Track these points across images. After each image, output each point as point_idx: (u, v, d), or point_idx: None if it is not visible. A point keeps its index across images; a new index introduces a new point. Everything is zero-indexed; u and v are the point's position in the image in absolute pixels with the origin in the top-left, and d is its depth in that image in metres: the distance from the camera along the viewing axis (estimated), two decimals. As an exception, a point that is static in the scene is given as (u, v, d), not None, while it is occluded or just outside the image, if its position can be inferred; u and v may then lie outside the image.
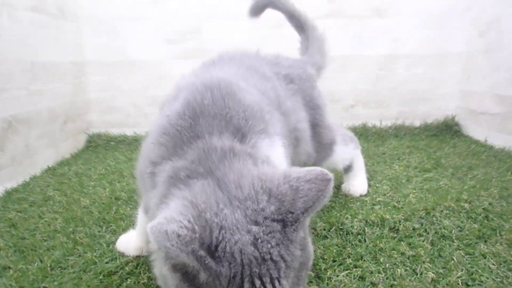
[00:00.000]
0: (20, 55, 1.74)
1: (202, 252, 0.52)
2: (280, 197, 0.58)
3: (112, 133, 2.50)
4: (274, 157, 0.74)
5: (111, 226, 1.21)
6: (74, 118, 2.25)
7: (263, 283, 0.54)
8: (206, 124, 0.71)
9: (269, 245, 0.55)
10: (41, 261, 1.00)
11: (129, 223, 1.21)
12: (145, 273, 0.93)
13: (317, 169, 0.60)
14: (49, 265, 0.97)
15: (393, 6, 2.47)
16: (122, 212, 1.32)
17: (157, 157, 0.73)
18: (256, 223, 0.56)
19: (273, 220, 0.57)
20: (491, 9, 2.25)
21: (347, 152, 1.43)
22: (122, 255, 1.03)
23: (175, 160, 0.68)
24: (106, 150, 2.32)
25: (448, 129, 2.54)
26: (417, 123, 2.60)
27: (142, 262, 0.99)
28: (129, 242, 1.05)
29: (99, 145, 2.40)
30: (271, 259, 0.55)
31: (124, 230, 1.16)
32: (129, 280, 0.90)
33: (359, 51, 2.53)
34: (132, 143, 2.42)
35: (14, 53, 1.69)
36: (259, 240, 0.55)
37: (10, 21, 1.67)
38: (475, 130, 2.40)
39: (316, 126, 1.23)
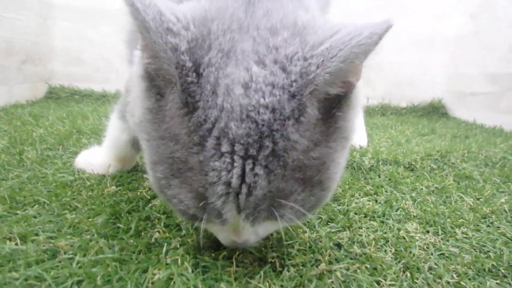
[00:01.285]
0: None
1: (188, 62, 0.38)
2: (308, 39, 0.40)
3: (76, 87, 2.22)
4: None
5: (70, 149, 0.97)
6: (35, 62, 1.97)
7: (232, 151, 0.38)
8: None
9: (263, 99, 0.37)
10: (-31, 171, 0.75)
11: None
12: (113, 186, 0.71)
13: None
14: (-21, 173, 0.73)
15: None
16: (84, 142, 1.08)
17: None
18: (260, 62, 0.39)
19: (281, 69, 0.39)
20: None
21: None
22: (83, 172, 0.80)
23: None
24: (69, 101, 2.05)
25: (435, 111, 2.47)
26: (403, 105, 2.51)
27: (109, 178, 0.77)
28: (93, 158, 0.83)
29: (61, 97, 2.11)
30: (257, 121, 0.37)
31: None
32: (90, 191, 0.68)
33: None
34: (99, 99, 2.16)
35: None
36: (253, 86, 0.38)
37: None
38: (463, 112, 2.34)
39: None
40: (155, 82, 0.42)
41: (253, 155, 0.38)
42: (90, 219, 0.57)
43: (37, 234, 0.51)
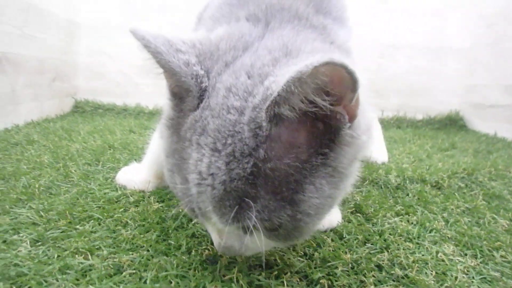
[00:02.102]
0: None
1: (200, 71, 0.46)
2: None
3: (100, 101, 2.29)
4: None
5: (108, 164, 1.02)
6: (62, 78, 2.05)
7: (206, 144, 0.44)
8: None
9: (235, 102, 0.44)
10: (28, 186, 0.80)
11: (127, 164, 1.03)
12: (156, 203, 0.75)
13: None
14: (37, 188, 0.78)
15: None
16: (118, 157, 1.13)
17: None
18: (250, 75, 0.46)
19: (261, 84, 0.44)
20: (499, 0, 2.18)
21: (367, 113, 1.30)
22: (124, 188, 0.85)
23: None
24: (94, 116, 2.12)
25: (452, 124, 2.43)
26: (419, 117, 2.49)
27: (149, 195, 0.81)
28: (133, 175, 0.87)
29: (86, 111, 2.19)
30: (226, 120, 0.43)
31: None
32: (137, 207, 0.72)
33: (360, 37, 2.43)
34: (120, 112, 2.23)
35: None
36: (234, 89, 0.45)
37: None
38: (482, 124, 2.31)
39: None
40: (178, 99, 0.49)
41: (218, 149, 0.43)
42: (142, 235, 0.61)
43: (99, 249, 0.55)
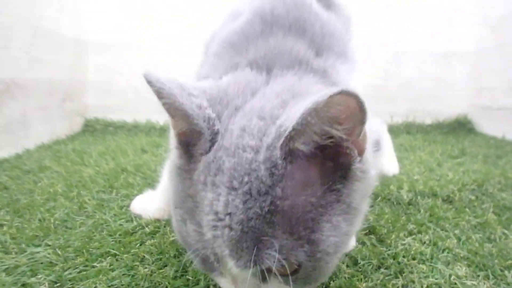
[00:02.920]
0: (24, 15, 1.58)
1: (212, 114, 0.48)
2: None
3: (110, 119, 2.31)
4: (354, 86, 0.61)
5: (121, 191, 1.04)
6: (72, 98, 2.08)
7: (222, 183, 0.44)
8: (280, 31, 0.60)
9: (250, 141, 0.45)
10: (43, 220, 0.82)
11: (141, 190, 1.04)
12: (173, 234, 0.77)
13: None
14: (52, 223, 0.80)
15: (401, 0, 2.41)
16: (131, 181, 1.15)
17: (209, 71, 0.63)
18: (262, 117, 0.47)
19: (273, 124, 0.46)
20: (504, 2, 2.18)
21: (376, 124, 1.31)
22: (139, 217, 0.86)
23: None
24: (104, 134, 2.14)
25: (461, 127, 2.44)
26: (428, 121, 2.50)
27: (164, 224, 0.83)
28: (147, 204, 0.89)
29: (96, 130, 2.22)
30: (242, 158, 0.44)
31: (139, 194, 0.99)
32: (153, 239, 0.74)
33: (367, 43, 2.44)
34: (131, 130, 2.25)
35: (18, 12, 1.53)
36: (248, 129, 0.46)
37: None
38: (490, 127, 2.31)
39: None
40: (186, 146, 0.49)
41: (235, 188, 0.43)
42: (160, 270, 0.62)
43: (119, 289, 0.57)
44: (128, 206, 0.92)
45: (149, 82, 0.46)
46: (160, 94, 0.46)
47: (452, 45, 2.46)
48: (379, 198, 1.00)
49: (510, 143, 2.00)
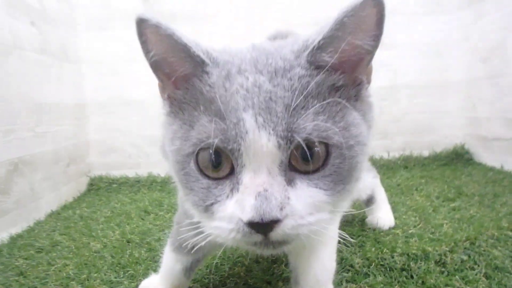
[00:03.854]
0: (27, 96, 1.68)
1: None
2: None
3: (113, 175, 2.39)
4: None
5: (128, 271, 1.09)
6: (76, 161, 2.17)
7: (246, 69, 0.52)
8: None
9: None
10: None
11: (147, 267, 1.10)
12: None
13: None
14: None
15: (389, 37, 2.49)
16: (136, 256, 1.20)
17: None
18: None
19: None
20: (493, 35, 2.25)
21: (368, 180, 1.37)
22: (146, 303, 0.91)
23: None
24: (109, 192, 2.21)
25: (459, 158, 2.48)
26: (425, 153, 2.55)
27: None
28: (152, 287, 0.94)
29: (101, 188, 2.29)
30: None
31: (143, 275, 1.05)
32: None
33: None
34: (134, 185, 2.32)
35: (22, 94, 1.63)
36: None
37: (20, 62, 1.62)
38: (488, 157, 2.35)
39: None
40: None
41: (261, 71, 0.52)
42: None
43: None
44: (135, 290, 0.97)
45: (144, 20, 0.50)
46: (157, 30, 0.51)
47: (444, 76, 2.52)
48: (373, 264, 1.04)
49: (508, 174, 2.04)
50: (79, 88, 2.27)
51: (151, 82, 2.27)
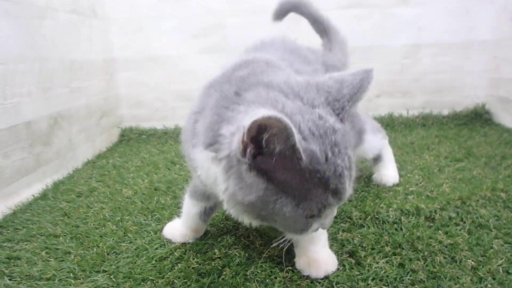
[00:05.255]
0: (61, 55, 1.82)
1: (300, 136, 0.59)
2: (327, 89, 0.66)
3: (142, 127, 2.58)
4: None
5: (155, 215, 1.27)
6: (108, 114, 2.34)
7: (339, 150, 0.62)
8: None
9: (332, 119, 0.64)
10: (98, 247, 1.07)
11: (171, 212, 1.28)
12: (194, 258, 0.99)
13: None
14: (105, 250, 1.04)
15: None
16: (163, 202, 1.38)
17: (199, 108, 0.79)
18: (314, 106, 0.64)
19: (325, 107, 0.65)
20: None
21: (376, 141, 1.46)
22: (170, 241, 1.09)
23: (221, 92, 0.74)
24: (139, 143, 2.40)
25: (478, 118, 2.48)
26: (445, 112, 2.57)
27: (189, 248, 1.05)
28: (175, 230, 1.11)
29: (131, 139, 2.48)
30: (339, 129, 0.63)
31: (168, 218, 1.22)
32: (179, 264, 0.96)
33: (382, 41, 2.51)
34: (162, 136, 2.49)
35: (56, 52, 1.78)
36: (323, 116, 0.63)
37: (53, 23, 1.75)
38: (506, 118, 2.35)
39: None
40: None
41: (346, 147, 0.65)
42: (184, 295, 0.85)
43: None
44: (161, 230, 1.14)
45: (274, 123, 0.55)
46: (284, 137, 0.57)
47: (470, 35, 2.47)
48: (368, 217, 1.17)
49: (523, 135, 2.06)
50: (108, 45, 2.40)
51: (176, 39, 2.38)
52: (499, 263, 0.91)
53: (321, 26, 1.46)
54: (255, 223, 0.72)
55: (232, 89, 0.71)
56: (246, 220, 0.70)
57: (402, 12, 2.47)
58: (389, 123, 2.49)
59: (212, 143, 0.68)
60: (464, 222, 1.12)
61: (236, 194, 0.63)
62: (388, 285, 0.85)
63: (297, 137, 0.55)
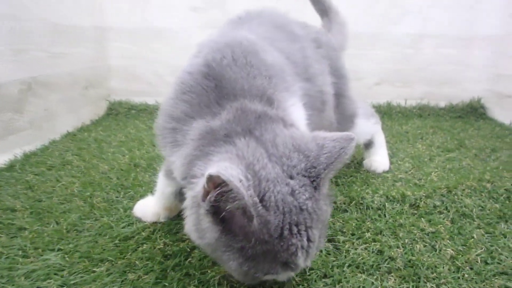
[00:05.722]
0: (43, 15, 1.71)
1: (256, 199, 0.57)
2: (307, 153, 0.64)
3: (133, 101, 2.48)
4: (296, 117, 0.78)
5: (129, 192, 1.21)
6: (95, 84, 2.25)
7: (299, 230, 0.60)
8: (231, 86, 0.73)
9: (304, 197, 0.61)
10: (57, 223, 1.00)
11: (148, 190, 1.21)
12: (161, 239, 0.93)
13: (343, 132, 0.67)
14: (65, 227, 0.98)
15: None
16: (140, 179, 1.32)
17: (181, 113, 0.75)
18: (291, 177, 0.63)
19: (304, 176, 0.63)
20: None
21: (368, 126, 1.41)
22: (139, 220, 1.03)
23: (208, 120, 0.71)
24: (127, 118, 2.32)
25: (473, 111, 2.48)
26: (442, 104, 2.55)
27: (159, 228, 0.99)
28: (146, 208, 1.05)
29: (120, 113, 2.38)
30: (307, 209, 0.61)
31: (142, 196, 1.15)
32: (145, 245, 0.90)
33: (386, 29, 2.46)
34: (153, 112, 2.40)
35: (37, 12, 1.67)
36: (296, 192, 0.61)
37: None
38: (501, 113, 2.35)
39: (340, 96, 1.21)
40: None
41: (310, 226, 0.62)
42: (146, 276, 0.79)
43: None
44: (133, 208, 1.08)
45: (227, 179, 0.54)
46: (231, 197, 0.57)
47: (474, 29, 2.45)
48: (353, 202, 1.11)
49: (513, 131, 2.03)
50: (99, 11, 2.29)
51: (175, 11, 2.27)
52: (478, 253, 0.87)
53: (322, 6, 1.44)
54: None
55: (223, 131, 0.68)
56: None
57: (408, 0, 2.42)
58: (387, 112, 2.46)
59: (185, 177, 0.70)
60: (448, 211, 1.08)
61: (191, 233, 0.67)
62: (363, 272, 0.80)
63: (249, 201, 0.56)
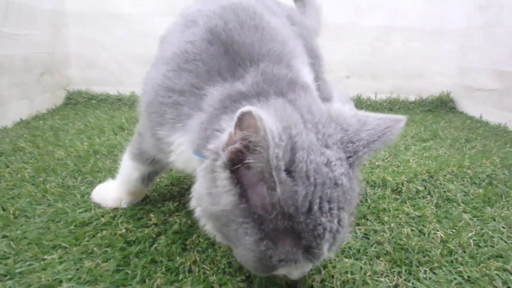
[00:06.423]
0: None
1: (281, 163, 0.47)
2: (345, 126, 0.56)
3: (93, 91, 2.32)
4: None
5: (87, 177, 1.09)
6: (52, 72, 2.08)
7: (330, 208, 0.51)
8: (246, 51, 0.63)
9: (339, 170, 0.52)
10: (3, 209, 0.87)
11: (108, 175, 1.09)
12: (123, 225, 0.82)
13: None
14: (12, 213, 0.85)
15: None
16: (100, 165, 1.19)
17: (184, 84, 0.64)
18: (327, 146, 0.54)
19: (339, 148, 0.54)
20: None
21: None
22: (98, 206, 0.92)
23: (230, 84, 0.61)
24: (87, 108, 2.16)
25: (443, 105, 2.51)
26: (412, 98, 2.57)
27: (120, 213, 0.88)
28: (107, 193, 0.94)
29: (79, 103, 2.23)
30: (342, 186, 0.52)
31: (101, 182, 1.04)
32: (104, 231, 0.79)
33: (356, 20, 2.44)
34: (114, 103, 2.26)
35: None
36: (332, 163, 0.52)
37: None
38: (470, 107, 2.38)
39: (316, 78, 1.14)
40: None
41: (342, 207, 0.52)
42: (105, 263, 0.68)
43: (61, 283, 0.62)
44: (90, 194, 0.96)
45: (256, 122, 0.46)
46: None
47: (441, 23, 2.47)
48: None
49: (484, 124, 2.07)
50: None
51: None
52: (469, 236, 0.83)
53: None
54: (218, 239, 0.59)
55: (254, 90, 0.59)
56: (210, 229, 0.59)
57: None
58: (357, 105, 2.43)
59: (198, 145, 0.59)
60: (432, 196, 1.03)
61: (201, 200, 0.56)
62: (350, 257, 0.73)
63: (273, 161, 0.46)
